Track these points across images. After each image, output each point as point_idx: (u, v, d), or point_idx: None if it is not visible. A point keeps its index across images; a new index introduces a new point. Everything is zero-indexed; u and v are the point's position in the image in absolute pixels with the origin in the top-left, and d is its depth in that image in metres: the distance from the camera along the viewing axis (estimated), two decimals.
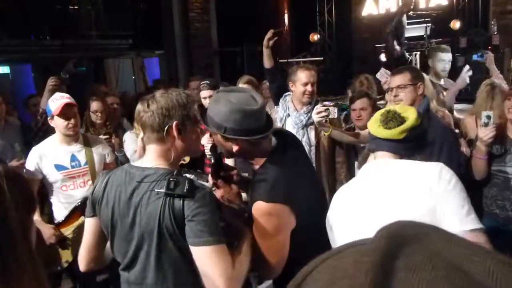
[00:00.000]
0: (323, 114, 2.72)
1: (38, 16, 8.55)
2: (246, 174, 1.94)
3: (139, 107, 1.51)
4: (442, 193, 1.39)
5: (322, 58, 9.94)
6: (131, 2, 10.20)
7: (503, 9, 7.67)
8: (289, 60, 9.27)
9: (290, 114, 3.04)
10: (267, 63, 3.29)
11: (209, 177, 1.71)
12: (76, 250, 1.76)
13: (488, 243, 1.40)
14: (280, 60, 8.43)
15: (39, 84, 7.86)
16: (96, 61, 9.60)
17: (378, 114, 1.58)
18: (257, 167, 1.66)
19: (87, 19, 9.39)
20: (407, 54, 7.28)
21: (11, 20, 8.36)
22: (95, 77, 9.32)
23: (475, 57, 4.14)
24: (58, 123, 2.67)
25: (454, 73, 4.19)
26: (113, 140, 3.29)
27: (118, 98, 4.24)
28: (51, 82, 3.27)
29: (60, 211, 2.77)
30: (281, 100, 3.15)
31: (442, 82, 3.89)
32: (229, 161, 2.38)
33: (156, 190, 1.40)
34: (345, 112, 3.57)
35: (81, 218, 2.62)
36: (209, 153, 2.54)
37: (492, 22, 7.36)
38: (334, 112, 2.75)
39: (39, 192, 2.76)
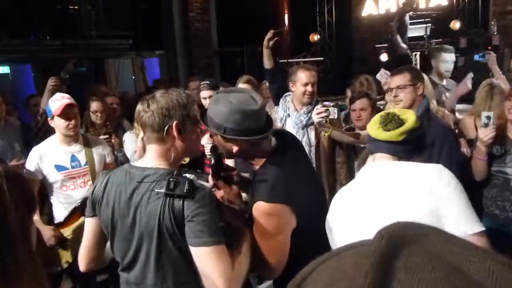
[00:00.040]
0: (323, 114, 2.72)
1: (38, 16, 8.56)
2: (246, 175, 1.94)
3: (139, 107, 1.51)
4: (442, 193, 1.39)
5: (322, 58, 9.95)
6: (131, 2, 10.21)
7: (503, 9, 7.67)
8: (289, 60, 9.27)
9: (290, 114, 3.04)
10: (267, 63, 3.30)
11: (209, 178, 1.71)
12: (76, 250, 1.76)
13: (488, 245, 1.41)
14: (280, 60, 8.43)
15: (39, 84, 7.87)
16: (96, 61, 9.61)
17: (377, 116, 1.58)
18: (257, 167, 1.66)
19: (87, 19, 9.40)
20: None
21: (11, 20, 8.37)
22: (95, 77, 9.33)
23: (476, 57, 4.12)
24: (58, 123, 2.67)
25: (454, 73, 4.19)
26: (113, 140, 3.29)
27: (117, 98, 4.25)
28: (51, 82, 3.27)
29: (60, 212, 2.77)
30: (281, 100, 3.15)
31: (444, 82, 3.88)
32: (230, 162, 2.38)
33: (156, 190, 1.40)
34: (343, 112, 3.57)
35: (81, 219, 2.62)
36: (209, 153, 2.54)
37: (492, 23, 7.37)
38: (334, 113, 2.75)
39: (39, 193, 2.75)
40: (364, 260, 0.34)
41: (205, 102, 3.26)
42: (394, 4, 8.99)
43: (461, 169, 2.38)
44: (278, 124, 3.02)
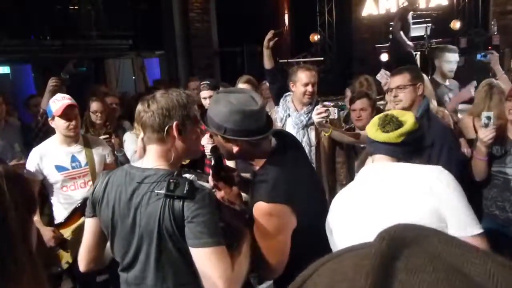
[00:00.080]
0: (323, 114, 2.72)
1: (38, 16, 8.56)
2: (247, 175, 1.94)
3: (139, 107, 1.51)
4: (441, 195, 1.39)
5: (322, 58, 9.94)
6: (131, 2, 10.20)
7: (503, 9, 7.67)
8: (289, 60, 9.26)
9: (290, 115, 3.04)
10: (268, 63, 3.30)
11: (210, 178, 1.71)
12: (76, 251, 1.76)
13: (488, 246, 1.41)
14: (280, 61, 8.43)
15: (40, 84, 7.88)
16: (96, 62, 9.61)
17: (376, 118, 1.58)
18: (257, 168, 1.66)
19: (87, 19, 9.40)
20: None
21: (11, 20, 8.37)
22: (95, 78, 9.33)
23: (478, 56, 4.11)
24: (59, 124, 2.67)
25: (454, 73, 4.18)
26: (112, 140, 3.29)
27: (117, 98, 4.26)
28: (51, 82, 3.27)
29: (60, 212, 2.77)
30: (281, 100, 3.15)
31: (447, 82, 3.88)
32: (231, 162, 2.38)
33: (156, 191, 1.40)
34: (342, 112, 3.57)
35: (82, 219, 2.62)
36: (209, 153, 2.54)
37: (492, 22, 7.36)
38: (334, 113, 2.75)
39: (39, 193, 2.76)
40: (364, 261, 0.33)
41: (205, 102, 3.26)
42: (394, 4, 8.99)
43: (461, 169, 2.38)
44: (278, 124, 3.02)
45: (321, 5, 10.64)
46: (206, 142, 2.82)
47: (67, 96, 2.73)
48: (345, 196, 1.62)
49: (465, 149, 3.06)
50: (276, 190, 1.53)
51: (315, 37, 10.09)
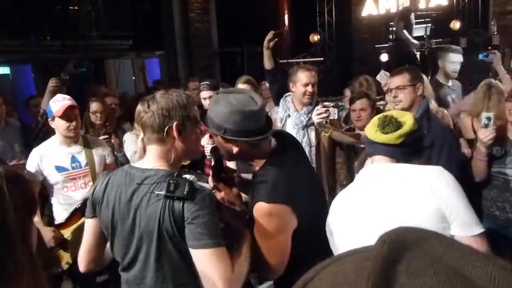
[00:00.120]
0: (323, 115, 2.72)
1: (38, 17, 8.56)
2: (248, 176, 1.94)
3: (139, 107, 1.51)
4: (441, 195, 1.38)
5: (322, 58, 9.93)
6: (131, 3, 10.21)
7: (503, 10, 7.66)
8: (289, 60, 9.26)
9: (290, 115, 3.04)
10: (268, 64, 3.30)
11: (210, 179, 1.71)
12: (76, 251, 1.76)
13: (489, 246, 1.41)
14: (280, 61, 8.42)
15: (40, 84, 7.88)
16: (96, 62, 9.61)
17: (375, 119, 1.58)
18: (257, 168, 1.66)
19: (87, 20, 9.40)
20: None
21: (11, 20, 8.37)
22: (96, 78, 9.34)
23: (480, 56, 4.11)
24: (59, 124, 2.67)
25: None
26: (112, 141, 3.29)
27: (117, 99, 4.26)
28: (52, 83, 3.28)
29: (60, 213, 2.77)
30: (281, 100, 3.15)
31: (450, 83, 3.88)
32: (231, 163, 2.37)
33: (156, 192, 1.40)
34: (341, 111, 3.57)
35: (82, 220, 2.62)
36: (209, 154, 2.54)
37: (492, 23, 7.36)
38: (334, 113, 2.75)
39: (40, 194, 2.75)
40: (366, 264, 0.33)
41: (205, 103, 3.26)
42: (394, 4, 8.98)
43: (461, 170, 2.38)
44: (278, 125, 3.02)
45: (321, 5, 10.64)
46: (206, 143, 2.82)
47: (68, 96, 2.73)
48: (345, 197, 1.61)
49: (465, 150, 3.06)
50: (276, 190, 1.53)
51: (315, 38, 10.09)
